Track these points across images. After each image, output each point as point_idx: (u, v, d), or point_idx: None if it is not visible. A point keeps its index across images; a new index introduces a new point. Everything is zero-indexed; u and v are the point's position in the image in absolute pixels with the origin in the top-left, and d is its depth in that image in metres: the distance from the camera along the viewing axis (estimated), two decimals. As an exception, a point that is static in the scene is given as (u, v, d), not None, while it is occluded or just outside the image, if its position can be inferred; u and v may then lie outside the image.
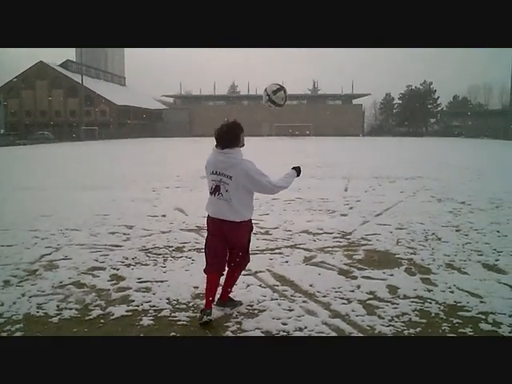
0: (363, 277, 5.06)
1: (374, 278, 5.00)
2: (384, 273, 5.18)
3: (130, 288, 4.73)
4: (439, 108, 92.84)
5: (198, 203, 7.83)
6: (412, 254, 5.95)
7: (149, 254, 5.99)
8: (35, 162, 24.61)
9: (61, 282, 4.93)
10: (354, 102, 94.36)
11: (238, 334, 3.71)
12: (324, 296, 4.49)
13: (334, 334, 3.67)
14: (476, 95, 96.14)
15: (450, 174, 15.97)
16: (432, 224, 7.71)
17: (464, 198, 10.43)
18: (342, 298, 4.43)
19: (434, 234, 7.02)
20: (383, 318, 3.99)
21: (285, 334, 3.70)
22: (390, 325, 3.85)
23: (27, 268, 5.41)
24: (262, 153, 23.08)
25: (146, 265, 5.55)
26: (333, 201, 10.21)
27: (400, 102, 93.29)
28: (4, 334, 3.71)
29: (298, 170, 4.14)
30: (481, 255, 5.87)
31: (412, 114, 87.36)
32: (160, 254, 5.99)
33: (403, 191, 11.73)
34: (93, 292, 4.65)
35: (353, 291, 4.62)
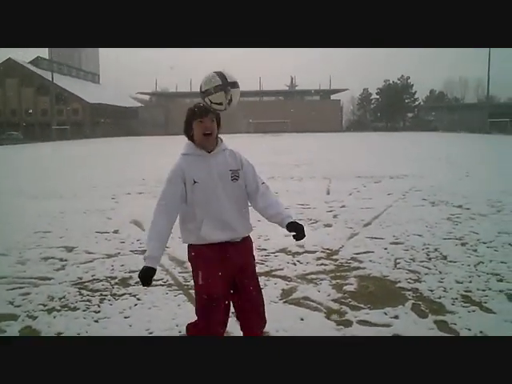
0: (360, 321, 3.82)
1: (373, 324, 3.77)
2: (386, 313, 3.96)
3: (41, 352, 3.41)
4: (416, 103, 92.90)
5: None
6: (416, 280, 4.75)
7: (82, 291, 4.66)
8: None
9: None
10: (332, 97, 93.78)
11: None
12: (308, 359, 3.24)
13: None
14: (452, 89, 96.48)
15: (436, 171, 14.97)
16: (431, 236, 6.54)
17: (460, 201, 9.32)
18: (334, 362, 3.19)
19: (436, 249, 5.84)
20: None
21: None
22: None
23: None
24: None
25: (75, 309, 4.22)
26: (314, 207, 8.97)
27: (378, 97, 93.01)
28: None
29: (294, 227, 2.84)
30: (501, 281, 4.71)
31: (390, 109, 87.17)
32: (97, 291, 4.66)
33: (391, 193, 10.58)
34: (-15, 361, 3.32)
35: (347, 348, 3.39)
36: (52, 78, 66.92)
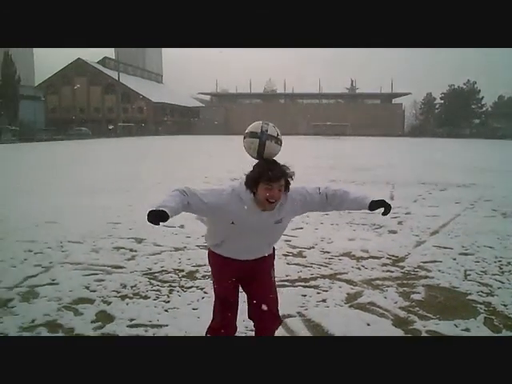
0: (429, 331, 3.74)
1: (443, 335, 3.67)
2: (456, 326, 3.84)
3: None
4: (483, 109, 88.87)
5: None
6: (488, 294, 4.57)
7: (152, 281, 4.84)
8: (62, 158, 24.10)
9: (32, 321, 3.83)
10: (394, 101, 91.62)
11: None
12: (377, 364, 3.21)
13: None
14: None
15: (507, 182, 14.28)
16: (503, 249, 6.26)
17: (533, 213, 8.86)
18: (404, 370, 3.14)
19: (509, 263, 5.59)
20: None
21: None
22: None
23: (0, 297, 4.35)
24: (295, 153, 21.82)
25: (146, 298, 4.40)
26: (378, 212, 8.80)
27: (442, 101, 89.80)
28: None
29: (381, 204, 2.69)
30: None
31: (454, 115, 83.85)
32: (166, 282, 4.83)
33: (459, 202, 10.21)
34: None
35: (417, 356, 3.32)
36: (118, 78, 69.75)
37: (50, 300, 4.30)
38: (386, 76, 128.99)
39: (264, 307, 2.83)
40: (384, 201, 2.69)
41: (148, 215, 2.31)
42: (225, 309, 2.83)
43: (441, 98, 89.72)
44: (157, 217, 2.31)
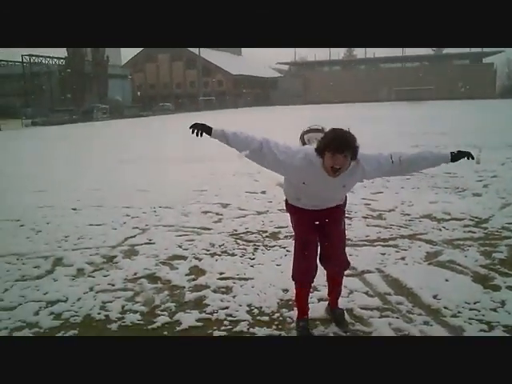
0: (509, 287, 3.76)
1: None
2: (539, 283, 3.83)
3: (208, 287, 3.97)
4: None
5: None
6: None
7: (238, 241, 5.21)
8: (151, 132, 25.35)
9: (135, 274, 4.34)
10: (484, 60, 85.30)
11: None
12: (454, 316, 3.32)
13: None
14: None
15: None
16: None
17: None
18: (481, 321, 3.23)
19: None
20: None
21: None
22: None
23: (106, 253, 4.92)
24: (376, 121, 21.24)
25: (233, 255, 4.77)
26: (462, 176, 8.58)
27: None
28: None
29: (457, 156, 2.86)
30: None
31: (556, 72, 76.54)
32: (251, 242, 5.18)
33: (552, 164, 9.64)
34: (165, 290, 3.97)
35: (495, 310, 3.39)
36: (199, 52, 71.15)
37: (149, 257, 4.80)
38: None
39: (335, 249, 3.09)
40: (468, 152, 2.84)
41: (193, 125, 2.77)
42: (305, 248, 3.06)
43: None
44: (202, 127, 2.77)
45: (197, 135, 2.81)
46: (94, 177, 10.02)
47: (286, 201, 3.18)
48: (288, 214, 3.23)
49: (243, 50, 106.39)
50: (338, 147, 2.60)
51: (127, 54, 79.87)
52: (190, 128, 2.81)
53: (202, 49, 73.84)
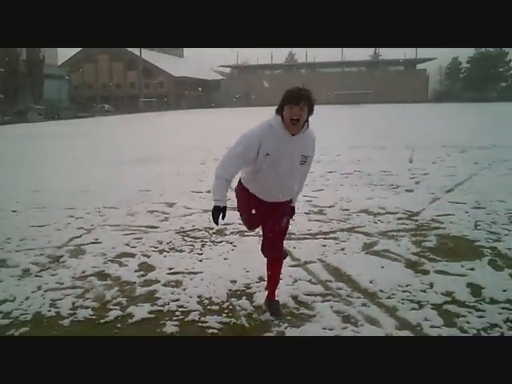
0: (437, 271, 4.14)
1: (450, 274, 4.06)
2: (463, 266, 4.23)
3: (158, 281, 4.08)
4: (511, 71, 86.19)
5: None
6: (495, 240, 4.92)
7: (186, 238, 5.33)
8: (90, 134, 24.77)
9: (83, 272, 4.35)
10: (418, 66, 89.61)
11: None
12: (388, 297, 3.63)
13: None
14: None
15: (529, 142, 14.29)
16: (516, 202, 6.55)
17: (551, 170, 9.03)
18: (412, 301, 3.56)
19: (520, 214, 5.90)
20: (466, 332, 3.10)
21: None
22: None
23: (52, 254, 4.89)
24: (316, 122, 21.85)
25: (181, 251, 4.89)
26: (396, 174, 9.13)
27: (468, 65, 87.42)
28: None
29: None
30: None
31: (481, 78, 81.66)
32: (198, 238, 5.31)
33: (477, 162, 10.42)
34: (116, 286, 4.03)
35: (424, 291, 3.73)
36: (140, 54, 70.10)
37: (96, 255, 4.81)
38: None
39: (277, 241, 3.33)
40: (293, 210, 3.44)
41: (212, 214, 3.05)
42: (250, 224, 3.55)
43: (467, 62, 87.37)
44: (215, 213, 3.04)
45: (223, 219, 3.09)
46: (32, 178, 9.74)
47: (237, 185, 3.34)
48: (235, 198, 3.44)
49: (185, 51, 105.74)
50: (293, 98, 2.84)
51: (65, 53, 77.19)
52: (214, 222, 3.12)
53: (143, 50, 72.79)
